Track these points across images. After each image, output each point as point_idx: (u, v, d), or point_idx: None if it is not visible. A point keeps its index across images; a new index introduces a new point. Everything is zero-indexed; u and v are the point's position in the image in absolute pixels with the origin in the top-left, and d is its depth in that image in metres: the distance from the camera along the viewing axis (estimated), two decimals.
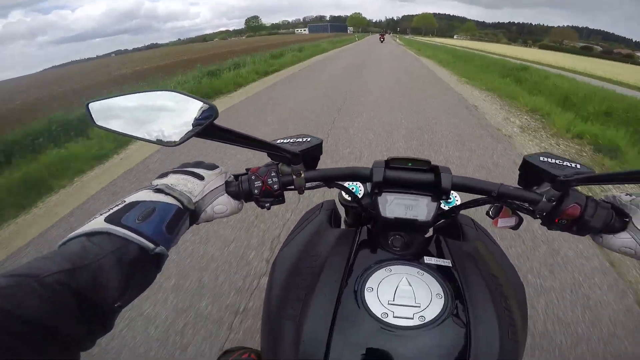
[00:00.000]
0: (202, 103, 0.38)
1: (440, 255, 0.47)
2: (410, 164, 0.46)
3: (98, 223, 0.33)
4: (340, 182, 0.51)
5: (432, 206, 0.46)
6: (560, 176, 0.41)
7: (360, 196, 0.58)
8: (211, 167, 0.45)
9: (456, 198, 0.59)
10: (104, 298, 0.29)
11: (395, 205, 0.46)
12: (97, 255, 0.30)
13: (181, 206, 0.38)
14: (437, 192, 0.45)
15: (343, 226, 0.73)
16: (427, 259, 0.45)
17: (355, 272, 0.43)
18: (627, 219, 0.41)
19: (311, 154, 0.49)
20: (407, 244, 0.47)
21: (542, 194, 0.44)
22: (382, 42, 29.86)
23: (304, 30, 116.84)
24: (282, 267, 0.50)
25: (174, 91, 0.39)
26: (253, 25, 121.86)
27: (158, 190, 0.38)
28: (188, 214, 0.39)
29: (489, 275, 0.44)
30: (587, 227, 0.42)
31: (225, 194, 0.44)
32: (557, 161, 0.46)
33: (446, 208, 0.55)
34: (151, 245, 0.33)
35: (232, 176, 0.47)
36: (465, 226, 0.60)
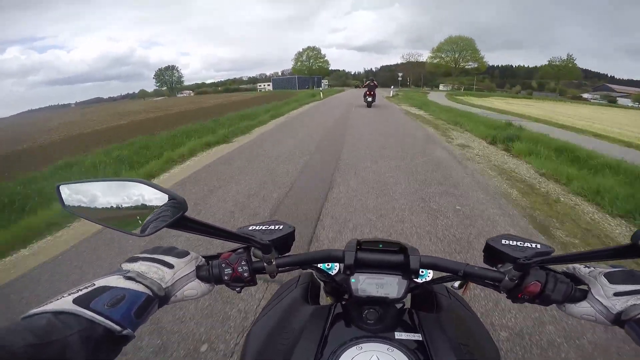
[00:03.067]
0: (171, 196, 0.43)
1: (413, 328, 0.53)
2: (380, 246, 0.55)
3: (66, 303, 0.37)
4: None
5: (402, 284, 0.53)
6: (521, 258, 0.50)
7: (334, 273, 0.61)
8: (182, 254, 0.52)
9: (428, 272, 0.62)
10: None
11: (367, 285, 0.54)
12: (63, 333, 0.34)
13: (151, 293, 0.44)
14: (407, 271, 0.52)
15: (322, 297, 0.79)
16: (398, 334, 0.51)
17: (328, 350, 0.49)
18: (587, 289, 0.49)
19: (283, 242, 0.56)
20: (381, 317, 0.54)
21: (505, 272, 0.52)
22: (369, 103, 15.42)
23: (268, 85, 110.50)
24: (256, 342, 0.57)
25: (144, 182, 0.45)
26: (170, 81, 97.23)
27: (129, 278, 0.44)
28: (157, 300, 0.45)
29: (460, 347, 0.50)
30: (549, 300, 0.50)
31: (196, 280, 0.51)
32: (519, 243, 0.55)
33: (419, 281, 0.59)
34: (118, 328, 0.38)
35: (203, 259, 0.54)
36: (439, 295, 0.67)
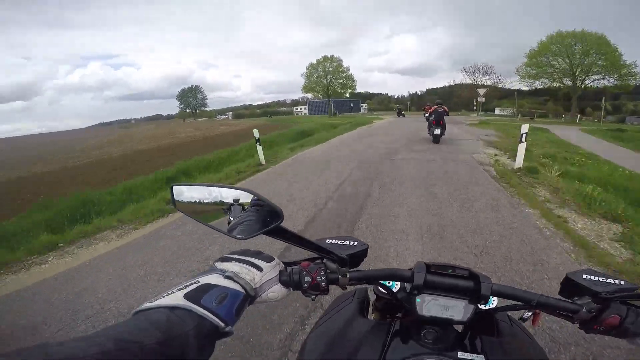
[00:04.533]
0: (271, 206, 0.48)
1: (474, 350, 0.54)
2: (450, 270, 0.55)
3: (178, 299, 0.41)
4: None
5: (469, 308, 0.54)
6: (602, 293, 0.51)
7: (395, 290, 0.63)
8: (268, 259, 0.55)
9: (493, 299, 0.62)
10: None
11: (432, 305, 0.54)
12: (182, 328, 0.37)
13: (245, 293, 0.48)
14: (475, 296, 0.53)
15: (371, 312, 0.80)
16: (461, 354, 0.52)
17: None
18: None
19: (357, 257, 0.59)
20: (440, 338, 0.55)
21: (582, 305, 0.53)
22: (436, 137, 10.37)
23: (304, 108, 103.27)
24: (314, 350, 0.58)
25: (248, 191, 0.50)
26: (193, 103, 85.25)
27: (228, 277, 0.48)
28: (248, 298, 0.49)
29: None
30: (626, 332, 0.51)
31: (278, 284, 0.54)
32: (600, 278, 0.56)
33: (484, 308, 0.59)
34: (222, 325, 0.42)
35: (284, 265, 0.57)
36: (500, 322, 0.66)
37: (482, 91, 20.92)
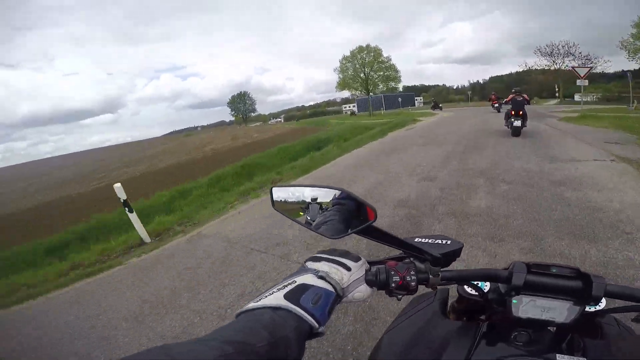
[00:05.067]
0: (366, 205, 0.48)
1: (577, 353, 0.49)
2: (554, 270, 0.51)
3: (279, 299, 0.41)
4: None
5: (573, 310, 0.50)
6: None
7: (485, 291, 0.59)
8: (356, 258, 0.53)
9: (602, 299, 0.57)
10: None
11: (530, 307, 0.51)
12: (285, 329, 0.38)
13: (336, 293, 0.47)
14: (583, 297, 0.49)
15: (450, 314, 0.76)
16: (560, 357, 0.48)
17: None
18: None
19: (450, 257, 0.55)
20: (534, 340, 0.51)
21: None
22: (515, 130, 8.77)
23: (354, 106, 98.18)
24: (390, 350, 0.56)
25: (343, 190, 0.50)
26: (243, 109, 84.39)
27: (320, 277, 0.47)
28: (338, 298, 0.48)
29: None
30: None
31: (364, 283, 0.53)
32: None
33: (591, 310, 0.56)
34: (317, 325, 0.41)
35: (369, 265, 0.55)
36: (606, 324, 0.61)
37: (583, 70, 13.56)
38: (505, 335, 0.53)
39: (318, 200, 0.52)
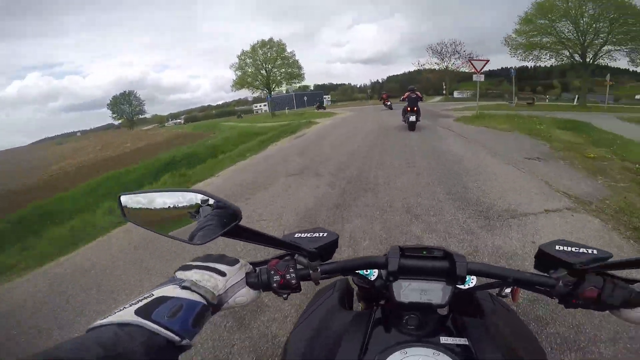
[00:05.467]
0: (227, 205, 0.45)
1: (457, 334, 0.52)
2: (424, 252, 0.53)
3: (129, 315, 0.38)
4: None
5: (447, 290, 0.52)
6: (577, 264, 0.49)
7: (373, 279, 0.60)
8: (233, 262, 0.51)
9: (472, 278, 0.60)
10: None
11: (410, 291, 0.52)
12: (128, 344, 0.35)
13: (205, 302, 0.44)
14: (452, 277, 0.51)
15: (356, 303, 0.78)
16: (444, 339, 0.50)
17: (370, 355, 0.48)
18: None
19: (327, 249, 0.56)
20: (422, 323, 0.53)
21: (559, 278, 0.51)
22: (411, 125, 9.72)
23: (264, 105, 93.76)
24: (296, 348, 0.57)
25: (201, 192, 0.46)
26: (129, 111, 67.37)
27: (185, 287, 0.44)
28: (211, 307, 0.45)
29: (507, 350, 0.49)
30: (605, 305, 0.49)
31: (246, 287, 0.51)
32: (573, 248, 0.54)
33: (463, 287, 0.57)
34: (177, 339, 0.39)
35: (251, 266, 0.54)
36: (482, 301, 0.65)
37: (479, 64, 12.18)
38: (398, 320, 0.53)
39: (178, 206, 0.47)
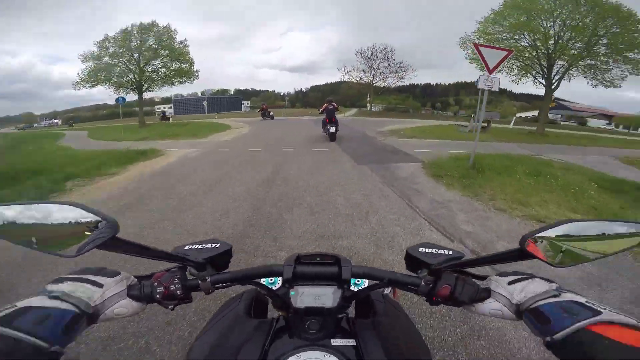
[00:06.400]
0: (102, 217, 0.43)
1: (348, 334, 0.54)
2: (318, 259, 0.56)
3: None
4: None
5: (337, 294, 0.54)
6: (434, 264, 0.54)
7: (277, 288, 0.58)
8: (112, 274, 0.50)
9: (364, 281, 0.60)
10: None
11: (306, 296, 0.54)
12: None
13: (78, 311, 0.42)
14: (340, 281, 0.54)
15: (270, 311, 0.76)
16: (334, 341, 0.52)
17: None
18: (490, 289, 0.52)
19: (219, 259, 0.57)
20: (322, 327, 0.53)
21: (421, 278, 0.54)
22: (332, 136, 9.96)
23: (169, 108, 79.92)
24: (198, 356, 0.55)
25: (74, 204, 0.43)
26: None
27: (54, 297, 0.42)
28: (85, 317, 0.43)
29: (392, 348, 0.52)
30: (458, 301, 0.52)
31: (127, 298, 0.49)
32: (434, 250, 0.59)
33: (354, 289, 0.58)
34: (45, 345, 0.37)
35: (135, 279, 0.52)
36: (376, 302, 0.68)
37: (493, 55, 5.25)
38: (301, 326, 0.54)
39: (52, 218, 0.44)
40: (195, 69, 23.80)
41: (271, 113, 23.50)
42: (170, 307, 0.52)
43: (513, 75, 16.78)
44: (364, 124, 18.02)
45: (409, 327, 0.63)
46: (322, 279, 0.54)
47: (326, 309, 0.53)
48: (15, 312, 0.38)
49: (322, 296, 0.54)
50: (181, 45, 23.34)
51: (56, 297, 0.42)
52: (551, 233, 0.44)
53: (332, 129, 9.65)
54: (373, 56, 37.00)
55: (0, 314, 0.38)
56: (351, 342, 0.52)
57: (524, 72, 16.42)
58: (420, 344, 0.60)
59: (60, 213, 0.43)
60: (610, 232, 0.44)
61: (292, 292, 0.54)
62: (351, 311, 0.71)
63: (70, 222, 0.43)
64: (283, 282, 0.54)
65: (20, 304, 0.40)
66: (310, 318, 0.53)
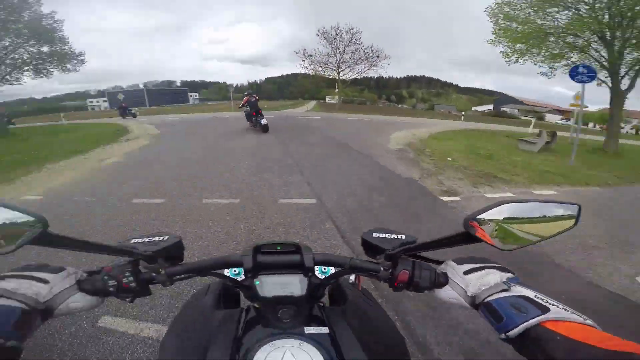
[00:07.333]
0: (29, 214, 0.41)
1: (321, 322, 0.53)
2: (279, 247, 0.54)
3: None
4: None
5: (304, 282, 0.53)
6: (389, 249, 0.53)
7: (242, 279, 0.56)
8: (57, 270, 0.48)
9: (331, 269, 0.58)
10: None
11: (272, 285, 0.53)
12: None
13: (27, 307, 0.42)
14: (304, 269, 0.53)
15: (242, 302, 0.73)
16: (307, 329, 0.51)
17: (242, 351, 0.47)
18: (448, 276, 0.52)
19: (170, 252, 0.53)
20: (293, 315, 0.52)
21: (379, 264, 0.53)
22: (264, 127, 9.64)
23: (105, 100, 67.61)
24: (169, 351, 0.54)
25: (1, 202, 0.42)
26: None
27: None
28: (38, 312, 0.43)
29: (366, 335, 0.51)
30: (419, 287, 0.51)
31: (79, 293, 0.48)
32: (387, 235, 0.58)
33: (320, 277, 0.56)
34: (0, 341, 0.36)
35: (85, 274, 0.51)
36: (346, 289, 0.67)
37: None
38: (272, 315, 0.52)
39: None
40: (77, 51, 15.15)
41: (133, 111, 19.34)
42: (128, 299, 0.51)
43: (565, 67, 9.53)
44: (343, 127, 12.27)
45: (382, 315, 0.63)
46: (285, 268, 0.53)
47: (296, 297, 0.52)
48: None
49: (289, 285, 0.52)
50: (46, 17, 14.36)
51: (0, 295, 0.41)
52: (494, 215, 0.43)
53: (265, 121, 9.52)
54: (338, 37, 27.63)
55: None
56: (324, 329, 0.51)
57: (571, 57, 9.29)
58: (394, 332, 0.59)
59: None
60: (549, 214, 0.44)
61: (256, 282, 0.52)
62: (325, 300, 0.68)
63: (3, 222, 0.42)
64: (245, 273, 0.53)
65: None
66: (281, 307, 0.52)
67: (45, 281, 0.45)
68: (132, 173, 5.25)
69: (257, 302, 0.55)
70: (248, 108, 9.90)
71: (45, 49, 14.56)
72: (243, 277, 0.55)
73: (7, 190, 4.55)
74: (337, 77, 28.49)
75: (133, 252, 0.49)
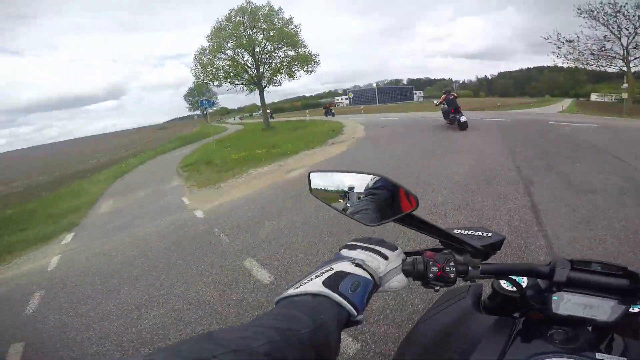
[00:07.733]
0: (407, 192, 0.45)
1: (617, 352, 0.47)
2: (598, 268, 0.48)
3: (318, 286, 0.39)
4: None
5: (617, 309, 0.46)
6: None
7: (524, 286, 0.55)
8: (392, 247, 0.50)
9: None
10: (328, 356, 0.35)
11: (572, 304, 0.48)
12: (325, 315, 0.35)
13: (374, 281, 0.44)
14: (630, 297, 0.46)
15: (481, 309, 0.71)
16: (599, 355, 0.45)
17: None
18: None
19: (490, 250, 0.52)
20: (571, 338, 0.48)
21: None
22: (462, 125, 8.79)
23: (345, 99, 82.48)
24: (420, 341, 0.55)
25: (382, 176, 0.47)
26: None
27: (357, 265, 0.44)
28: (375, 287, 0.45)
29: None
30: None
31: (401, 273, 0.49)
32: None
33: (636, 310, 0.53)
34: (355, 313, 0.38)
35: (405, 255, 0.51)
36: None
37: None
38: (542, 333, 0.49)
39: (355, 187, 0.49)
40: (314, 53, 17.90)
41: (333, 111, 21.70)
42: (436, 288, 0.49)
43: None
44: None
45: None
46: (601, 290, 0.47)
47: (596, 322, 0.47)
48: (335, 276, 0.40)
49: (595, 308, 0.47)
50: (291, 24, 17.42)
51: (359, 265, 0.43)
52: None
53: (463, 118, 8.85)
54: (622, 11, 16.39)
55: (323, 275, 0.40)
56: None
57: None
58: None
59: (367, 182, 0.46)
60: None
61: (554, 297, 0.48)
62: None
63: (374, 192, 0.45)
64: (549, 285, 0.49)
65: (336, 267, 0.42)
66: (558, 327, 0.48)
67: (385, 257, 0.47)
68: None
69: (531, 316, 0.52)
70: (445, 106, 9.58)
71: (292, 52, 17.96)
72: (525, 284, 0.54)
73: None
74: (624, 69, 18.11)
75: (465, 242, 0.48)
